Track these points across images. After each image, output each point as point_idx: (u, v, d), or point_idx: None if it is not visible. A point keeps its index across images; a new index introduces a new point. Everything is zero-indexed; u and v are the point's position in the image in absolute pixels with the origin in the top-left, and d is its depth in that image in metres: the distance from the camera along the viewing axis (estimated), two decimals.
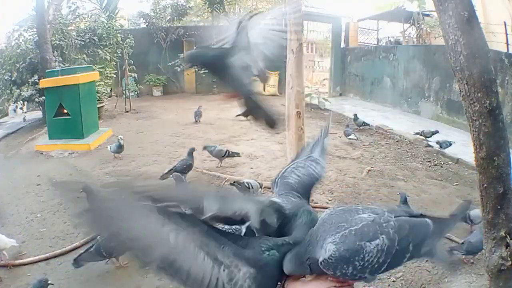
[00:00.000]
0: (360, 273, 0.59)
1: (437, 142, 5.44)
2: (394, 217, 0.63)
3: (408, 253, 0.60)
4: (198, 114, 7.60)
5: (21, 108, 7.69)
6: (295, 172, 0.84)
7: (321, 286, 0.63)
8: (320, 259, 0.60)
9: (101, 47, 8.39)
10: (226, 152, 4.76)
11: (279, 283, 0.67)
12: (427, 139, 5.71)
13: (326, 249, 0.60)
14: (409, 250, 0.60)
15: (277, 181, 0.84)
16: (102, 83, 8.22)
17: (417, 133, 5.86)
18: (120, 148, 5.11)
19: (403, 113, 8.54)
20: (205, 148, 4.87)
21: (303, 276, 0.65)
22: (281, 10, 1.13)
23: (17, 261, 2.75)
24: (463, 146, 5.11)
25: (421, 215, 0.65)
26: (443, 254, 0.71)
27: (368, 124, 6.83)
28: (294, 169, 0.86)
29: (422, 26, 9.77)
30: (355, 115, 6.91)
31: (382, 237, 0.59)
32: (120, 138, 5.18)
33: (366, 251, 0.58)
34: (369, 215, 0.62)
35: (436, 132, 5.72)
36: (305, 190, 0.82)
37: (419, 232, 0.62)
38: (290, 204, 0.73)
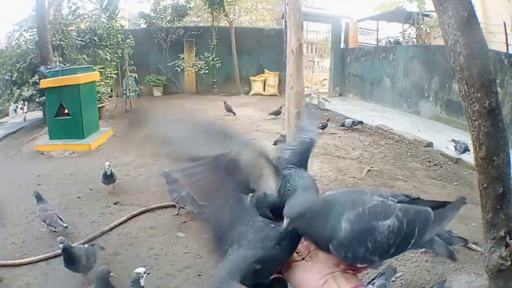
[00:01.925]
0: (371, 255, 0.57)
1: (455, 147, 5.00)
2: (397, 202, 0.62)
3: (413, 238, 0.59)
4: (228, 108, 7.98)
5: (21, 108, 7.70)
6: (288, 149, 0.82)
7: (323, 271, 0.59)
8: (333, 240, 0.57)
9: (102, 47, 8.40)
10: None
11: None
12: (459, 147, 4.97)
13: (341, 228, 0.56)
14: (414, 235, 0.59)
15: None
16: (103, 83, 8.22)
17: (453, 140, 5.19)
18: (108, 178, 3.85)
19: (403, 113, 8.55)
20: None
21: (302, 258, 0.64)
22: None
23: (17, 261, 2.75)
24: None
25: (419, 199, 0.65)
26: (441, 245, 0.71)
27: (360, 123, 6.86)
28: (287, 147, 0.84)
29: (422, 26, 9.77)
30: (343, 122, 7.02)
31: (393, 218, 0.58)
32: (108, 165, 3.84)
33: (379, 231, 0.56)
34: (378, 196, 0.61)
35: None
36: (301, 158, 0.78)
37: (422, 218, 0.61)
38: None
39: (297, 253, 0.65)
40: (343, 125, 6.89)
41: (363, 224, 0.57)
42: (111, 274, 2.28)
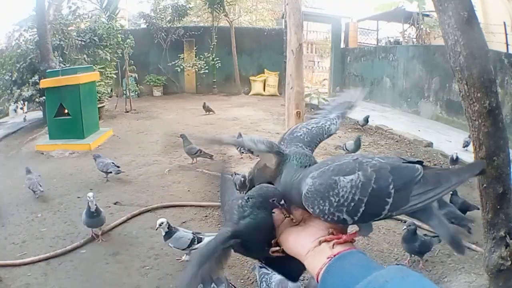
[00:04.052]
0: (337, 211, 0.56)
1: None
2: (384, 161, 0.59)
3: (390, 197, 0.55)
4: (207, 109, 8.26)
5: (21, 108, 7.69)
6: (305, 127, 0.81)
7: (316, 234, 0.60)
8: (302, 195, 0.59)
9: (102, 47, 8.40)
10: (197, 151, 4.79)
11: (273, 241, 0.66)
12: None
13: (306, 183, 0.59)
14: (390, 194, 0.55)
15: (285, 137, 0.80)
16: (103, 83, 8.23)
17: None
18: (93, 217, 2.92)
19: (403, 113, 8.55)
20: (181, 136, 4.95)
21: (296, 224, 0.64)
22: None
23: (17, 261, 2.75)
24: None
25: (419, 162, 0.60)
26: (443, 225, 0.60)
27: (365, 124, 6.76)
28: (306, 125, 0.82)
29: (422, 26, 9.77)
30: (356, 121, 6.90)
31: (358, 173, 0.56)
32: (91, 197, 2.91)
33: (340, 185, 0.56)
34: (356, 157, 0.60)
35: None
36: (311, 139, 0.78)
37: (402, 175, 0.56)
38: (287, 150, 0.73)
39: (292, 219, 0.65)
40: (366, 123, 6.69)
41: (324, 178, 0.58)
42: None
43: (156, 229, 2.64)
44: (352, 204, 0.55)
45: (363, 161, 0.58)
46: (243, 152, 5.04)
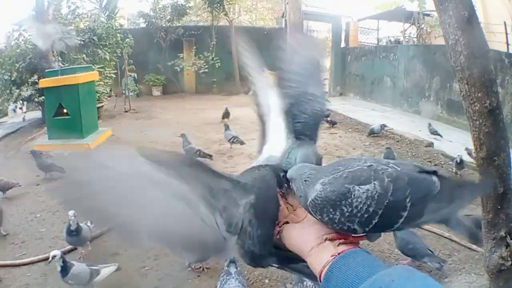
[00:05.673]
0: (348, 222, 0.53)
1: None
2: (399, 169, 0.56)
3: (405, 211, 0.53)
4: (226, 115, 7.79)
5: (20, 108, 7.69)
6: (298, 120, 0.83)
7: (320, 231, 0.58)
8: (309, 201, 0.56)
9: (101, 46, 8.38)
10: (197, 151, 4.77)
11: (276, 229, 0.64)
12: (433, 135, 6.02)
13: (314, 189, 0.56)
14: (405, 208, 0.53)
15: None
16: (102, 83, 8.22)
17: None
18: (73, 236, 2.67)
19: (404, 113, 8.54)
20: (181, 136, 4.99)
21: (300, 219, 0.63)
22: None
23: (17, 261, 2.75)
24: (463, 146, 5.11)
25: (435, 172, 0.57)
26: (462, 223, 0.60)
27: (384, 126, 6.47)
28: (293, 118, 0.83)
29: (423, 25, 9.76)
30: (372, 129, 6.50)
31: (374, 183, 0.53)
32: (72, 215, 2.59)
33: (354, 195, 0.53)
34: (370, 163, 0.56)
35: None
36: (312, 131, 0.81)
37: (420, 188, 0.54)
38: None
39: (295, 215, 0.65)
40: (372, 132, 6.37)
41: (336, 186, 0.54)
42: None
43: (49, 262, 2.26)
44: (366, 215, 0.53)
45: (378, 168, 0.55)
46: (233, 142, 5.20)
